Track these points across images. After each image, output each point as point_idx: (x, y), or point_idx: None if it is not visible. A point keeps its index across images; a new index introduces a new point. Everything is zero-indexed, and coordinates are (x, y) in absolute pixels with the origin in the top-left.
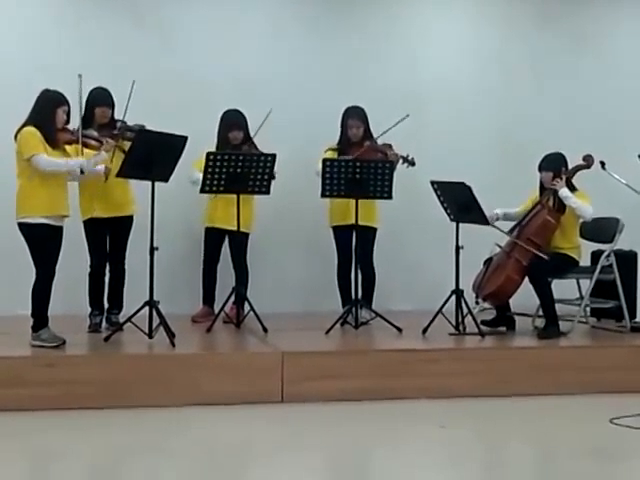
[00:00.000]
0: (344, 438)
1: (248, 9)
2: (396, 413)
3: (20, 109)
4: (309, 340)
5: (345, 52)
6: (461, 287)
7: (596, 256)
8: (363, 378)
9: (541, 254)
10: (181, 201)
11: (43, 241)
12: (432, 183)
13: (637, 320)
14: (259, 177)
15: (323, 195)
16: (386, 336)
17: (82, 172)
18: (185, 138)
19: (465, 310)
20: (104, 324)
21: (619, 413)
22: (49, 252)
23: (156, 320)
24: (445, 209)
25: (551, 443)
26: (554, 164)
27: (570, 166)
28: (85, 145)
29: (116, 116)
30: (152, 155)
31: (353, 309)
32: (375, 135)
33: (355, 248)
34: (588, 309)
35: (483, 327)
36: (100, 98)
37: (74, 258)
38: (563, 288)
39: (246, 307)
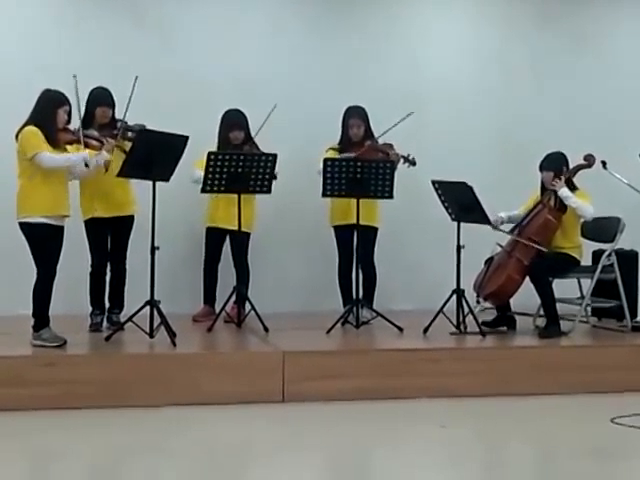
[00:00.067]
0: (345, 438)
1: (248, 9)
2: (397, 413)
3: (20, 109)
4: (310, 340)
5: (345, 52)
6: (462, 287)
7: (597, 255)
8: (364, 378)
9: (540, 247)
10: (182, 201)
11: (44, 241)
12: (433, 183)
13: (638, 319)
14: (260, 177)
15: (324, 195)
16: (387, 336)
17: (87, 165)
18: (186, 138)
19: (466, 310)
20: (105, 324)
21: (620, 413)
22: (50, 252)
23: (157, 320)
24: (446, 209)
25: (552, 443)
26: (555, 164)
27: (571, 166)
28: (86, 145)
29: (117, 115)
30: (153, 155)
31: (354, 309)
32: (379, 133)
33: (356, 248)
34: (589, 308)
35: (484, 328)
36: (101, 98)
37: (75, 258)
38: (564, 287)
39: (247, 307)
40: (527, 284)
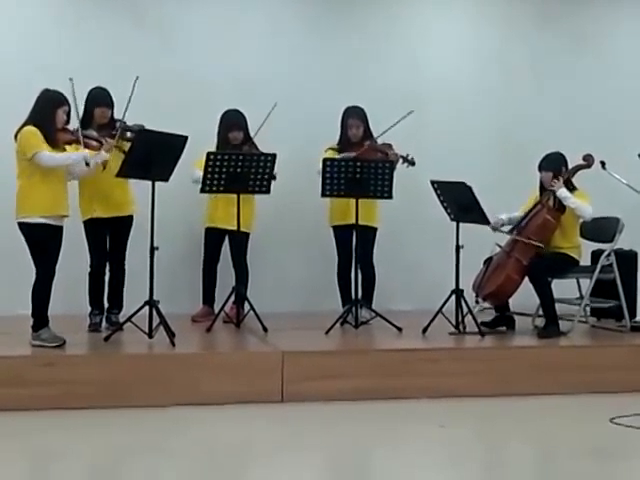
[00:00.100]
0: (344, 438)
1: (248, 9)
2: (396, 413)
3: (20, 109)
4: (309, 340)
5: (345, 52)
6: (461, 287)
7: (596, 256)
8: (363, 378)
9: (537, 243)
10: (181, 201)
11: (43, 241)
12: (432, 183)
13: (637, 319)
14: (259, 177)
15: (323, 195)
16: (386, 336)
17: (87, 164)
18: (185, 138)
19: (465, 310)
20: (104, 324)
21: (619, 413)
22: (49, 252)
23: (156, 320)
24: (445, 209)
25: (551, 443)
26: (554, 164)
27: (570, 166)
28: (85, 145)
29: (116, 115)
30: (152, 155)
31: (353, 309)
32: (379, 133)
33: (355, 248)
34: (588, 309)
35: (483, 328)
36: (99, 98)
37: (74, 258)
38: (563, 288)
39: (246, 307)
40: (526, 284)
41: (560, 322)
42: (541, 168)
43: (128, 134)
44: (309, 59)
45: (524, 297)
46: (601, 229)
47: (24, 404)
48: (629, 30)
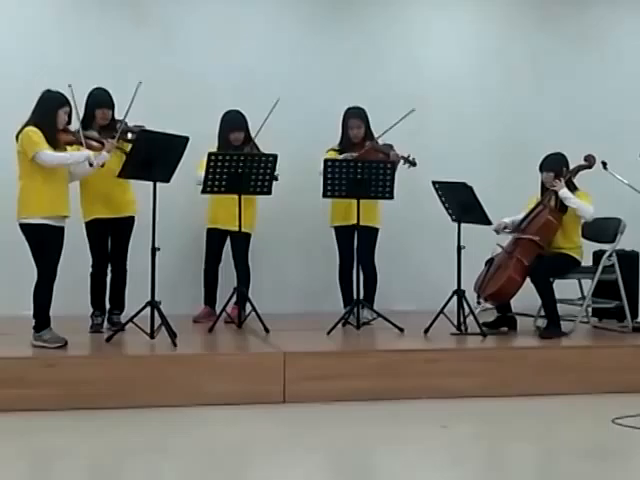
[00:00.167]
0: (345, 438)
1: (248, 9)
2: (398, 413)
3: (20, 109)
4: (311, 340)
5: (345, 52)
6: (463, 287)
7: (598, 256)
8: (365, 378)
9: (535, 237)
10: (182, 202)
11: (44, 242)
12: (434, 183)
13: (639, 320)
14: (260, 177)
15: (324, 195)
16: (388, 336)
17: (91, 165)
18: (186, 139)
19: (467, 310)
20: (106, 324)
21: (621, 413)
22: (50, 253)
23: (157, 320)
24: (447, 209)
25: (553, 443)
26: (555, 164)
27: (571, 166)
28: (87, 146)
29: (117, 115)
30: (153, 156)
31: (355, 309)
32: (381, 132)
33: (357, 248)
34: (590, 309)
35: (485, 328)
36: (101, 99)
37: (76, 259)
38: (565, 288)
39: (248, 307)
40: (528, 285)
41: (562, 323)
42: (542, 169)
43: (129, 135)
44: (309, 59)
45: (526, 298)
46: (603, 229)
47: (26, 405)
48: (629, 30)
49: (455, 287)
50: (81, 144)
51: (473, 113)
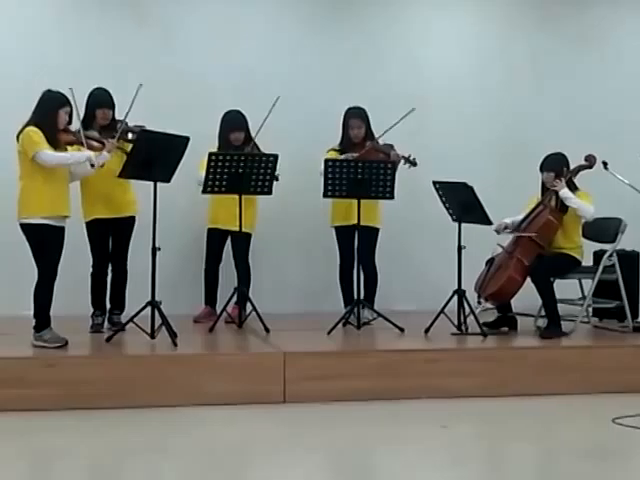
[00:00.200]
0: (345, 438)
1: (248, 9)
2: (398, 413)
3: (21, 109)
4: (311, 340)
5: (345, 52)
6: (463, 287)
7: (598, 256)
8: (365, 378)
9: (531, 235)
10: (183, 202)
11: (45, 241)
12: (434, 183)
13: (639, 320)
14: (261, 177)
15: (325, 195)
16: (388, 336)
17: (92, 166)
18: (187, 139)
19: (467, 310)
20: (106, 324)
21: (621, 413)
22: (51, 253)
23: (158, 320)
24: (447, 209)
25: (553, 443)
26: (556, 164)
27: (572, 166)
28: (88, 146)
29: (118, 116)
30: (154, 156)
31: (355, 309)
32: (381, 132)
33: (357, 248)
34: (590, 309)
35: (485, 328)
36: (101, 99)
37: (76, 259)
38: (565, 288)
39: (248, 307)
40: (528, 285)
41: (562, 322)
42: (543, 169)
43: (129, 135)
44: (309, 59)
45: (526, 297)
46: (603, 229)
47: (26, 404)
48: (630, 30)
49: (455, 287)
50: (82, 144)
51: (473, 113)
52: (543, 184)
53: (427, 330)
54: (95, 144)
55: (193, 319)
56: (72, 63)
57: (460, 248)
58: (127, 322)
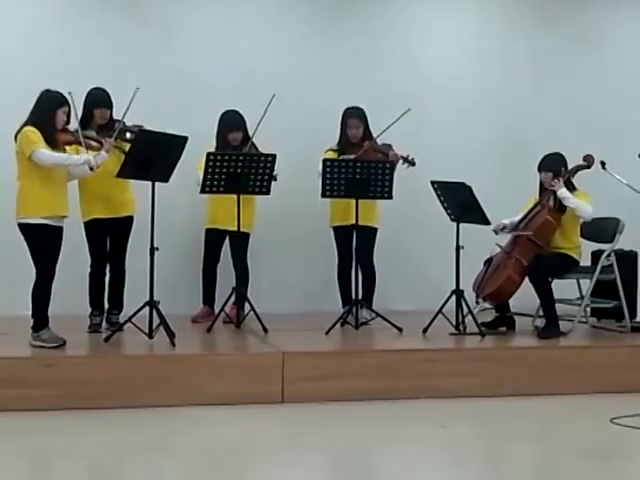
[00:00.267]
0: (344, 438)
1: (248, 9)
2: (397, 413)
3: (20, 109)
4: (309, 340)
5: (345, 52)
6: (461, 287)
7: (596, 256)
8: (363, 378)
9: (527, 234)
10: (181, 201)
11: (43, 241)
12: (432, 183)
13: (637, 320)
14: (259, 177)
15: (323, 195)
16: (386, 336)
17: (91, 169)
18: (185, 138)
19: (465, 310)
20: (104, 324)
21: (620, 413)
22: (49, 252)
23: (156, 320)
24: (445, 209)
25: (551, 443)
26: (554, 164)
27: (570, 166)
28: (86, 146)
29: (115, 115)
30: (152, 155)
31: (353, 309)
32: (378, 132)
33: (355, 248)
34: (588, 309)
35: (483, 328)
36: (99, 99)
37: (74, 259)
38: (563, 288)
39: (246, 307)
40: (526, 284)
41: (560, 322)
42: (541, 169)
43: (127, 135)
44: (309, 59)
45: (524, 297)
46: (601, 229)
47: (24, 404)
48: (630, 30)
49: (454, 287)
50: (80, 144)
51: (473, 113)
52: (541, 184)
53: (425, 330)
54: (93, 144)
55: (191, 319)
56: (72, 63)
57: (458, 248)
58: (125, 322)
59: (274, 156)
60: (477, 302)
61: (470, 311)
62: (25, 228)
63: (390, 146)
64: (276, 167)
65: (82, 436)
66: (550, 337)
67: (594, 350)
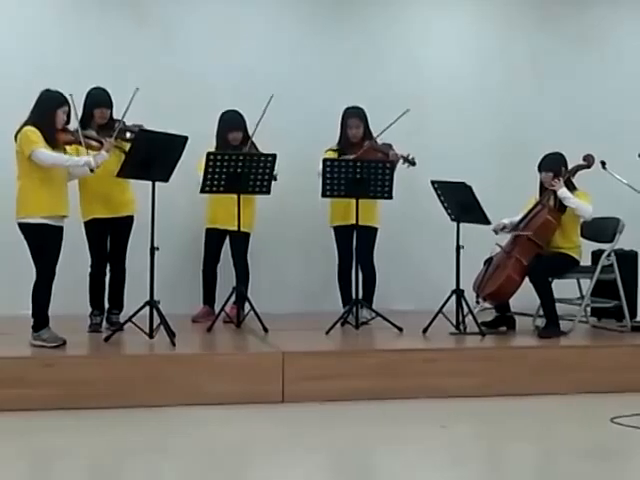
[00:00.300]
0: (344, 438)
1: (248, 9)
2: (397, 413)
3: (20, 109)
4: (309, 340)
5: (345, 52)
6: (462, 287)
7: (596, 256)
8: (364, 378)
9: (527, 234)
10: (181, 201)
11: (43, 241)
12: (432, 183)
13: (638, 319)
14: (259, 177)
15: (324, 195)
16: (387, 336)
17: (92, 171)
18: (185, 138)
19: (466, 310)
20: (104, 324)
21: (620, 413)
22: (49, 252)
23: (156, 320)
24: (446, 209)
25: (552, 442)
26: (554, 164)
27: (570, 166)
28: (86, 146)
29: (115, 115)
30: (152, 155)
31: (354, 309)
32: (376, 133)
33: (356, 248)
34: (589, 309)
35: (483, 328)
36: (99, 99)
37: (74, 258)
38: (564, 288)
39: (246, 307)
40: (527, 284)
41: (561, 322)
42: (541, 168)
43: (127, 134)
44: (309, 59)
45: (525, 297)
46: (601, 229)
47: (24, 404)
48: (630, 30)
49: (454, 287)
50: (80, 143)
51: (473, 113)
52: (541, 184)
53: (425, 330)
54: (93, 143)
55: (191, 319)
56: (72, 63)
57: (459, 248)
58: (125, 322)
59: (274, 156)
60: (477, 302)
61: (470, 311)
62: (25, 228)
63: (390, 146)
64: (276, 167)
65: (82, 436)
66: (550, 337)
67: (594, 350)
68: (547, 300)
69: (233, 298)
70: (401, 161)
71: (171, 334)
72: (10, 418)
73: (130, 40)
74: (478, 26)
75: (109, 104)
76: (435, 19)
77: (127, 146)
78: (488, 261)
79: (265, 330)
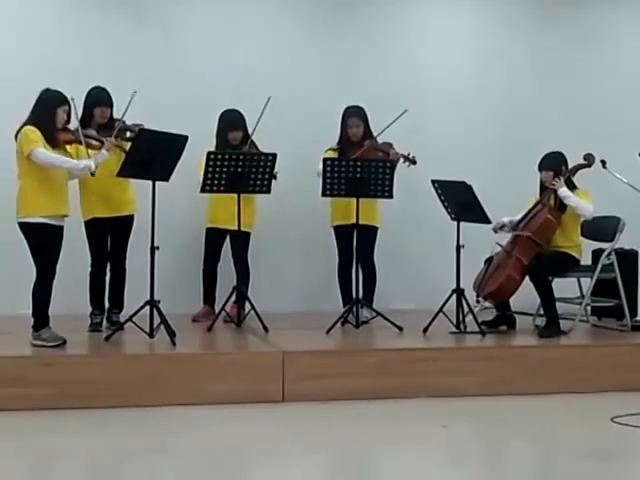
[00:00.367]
0: (345, 438)
1: (248, 9)
2: (397, 413)
3: (20, 109)
4: (310, 339)
5: (345, 52)
6: (462, 286)
7: (597, 255)
8: (364, 377)
9: (528, 233)
10: (182, 201)
11: (43, 241)
12: (433, 182)
13: (638, 319)
14: (260, 176)
15: (324, 194)
16: (387, 335)
17: (92, 174)
18: (185, 138)
19: (466, 309)
20: (105, 324)
21: (620, 412)
22: (49, 252)
23: (157, 319)
24: (446, 208)
25: (552, 442)
26: (554, 163)
27: (570, 165)
28: (86, 145)
29: (116, 114)
30: (152, 155)
31: (354, 308)
32: (375, 133)
33: (356, 247)
34: (589, 308)
35: (484, 327)
36: (99, 98)
37: (75, 258)
38: (564, 287)
39: (247, 306)
40: (527, 283)
41: (561, 321)
42: (541, 168)
43: (128, 134)
44: (309, 59)
45: (525, 296)
46: (602, 228)
47: (25, 404)
48: (630, 30)
49: (454, 286)
50: (80, 143)
51: (473, 113)
52: (541, 183)
53: (426, 329)
54: (94, 143)
55: (192, 318)
56: (72, 63)
57: (459, 247)
58: (126, 321)
59: (274, 155)
60: (477, 301)
61: (470, 310)
62: (25, 227)
63: (391, 145)
64: (276, 166)
65: (82, 436)
66: (551, 336)
67: (594, 349)
68: (547, 299)
69: (233, 297)
70: (402, 160)
71: (171, 334)
72: (10, 418)
73: (130, 40)
74: (478, 26)
75: (109, 103)
76: (435, 19)
77: (127, 145)
78: (488, 260)
79: (265, 329)
